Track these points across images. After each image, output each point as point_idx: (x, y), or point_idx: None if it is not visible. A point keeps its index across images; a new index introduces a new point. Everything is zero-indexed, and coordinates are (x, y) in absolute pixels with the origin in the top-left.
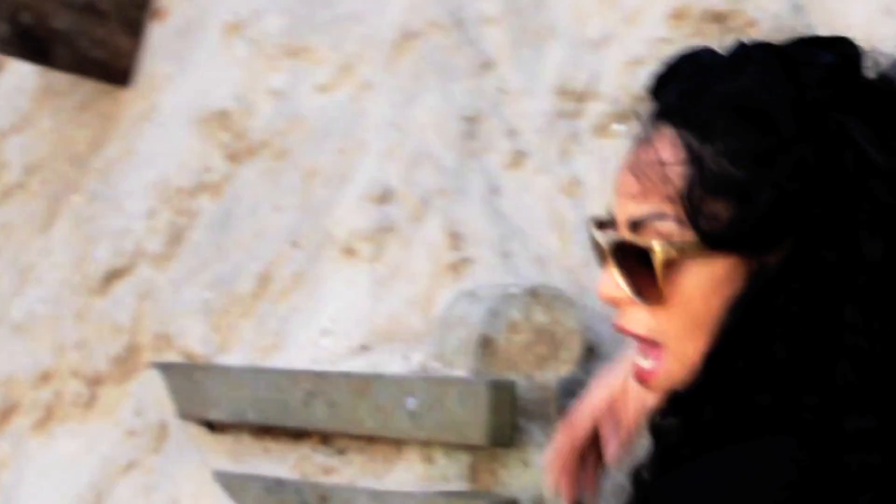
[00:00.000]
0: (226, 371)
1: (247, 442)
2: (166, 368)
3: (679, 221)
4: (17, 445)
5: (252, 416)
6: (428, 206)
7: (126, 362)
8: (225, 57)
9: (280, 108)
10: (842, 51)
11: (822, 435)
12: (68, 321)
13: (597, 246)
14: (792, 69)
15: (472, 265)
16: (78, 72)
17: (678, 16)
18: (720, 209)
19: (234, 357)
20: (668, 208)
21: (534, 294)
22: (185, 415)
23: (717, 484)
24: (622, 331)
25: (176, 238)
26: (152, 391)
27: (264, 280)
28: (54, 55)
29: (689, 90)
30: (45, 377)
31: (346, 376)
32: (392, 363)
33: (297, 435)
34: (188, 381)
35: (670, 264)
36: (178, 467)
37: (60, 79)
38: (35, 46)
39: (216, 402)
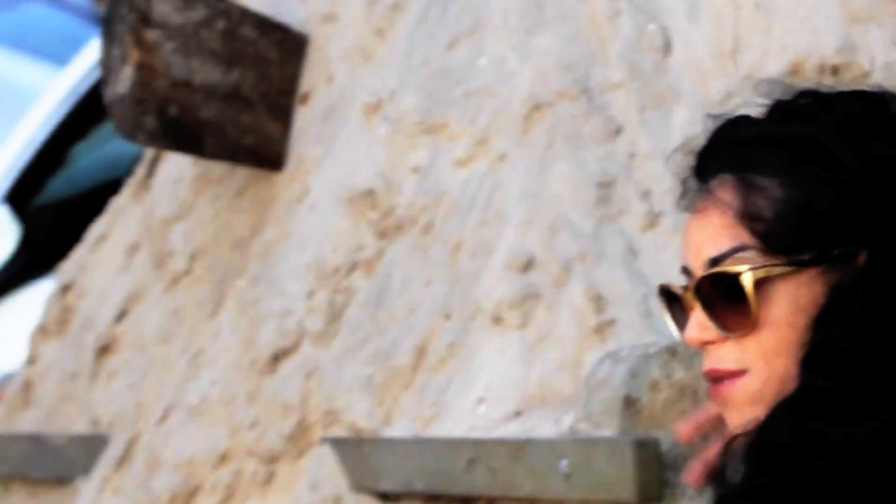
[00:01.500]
0: (393, 443)
1: None
2: (337, 443)
3: (758, 248)
4: None
5: (419, 486)
6: (569, 271)
7: (299, 439)
8: (367, 137)
9: (422, 185)
10: (867, 95)
11: None
12: (241, 402)
13: (673, 301)
14: (829, 106)
15: (616, 327)
16: (229, 159)
17: (794, 70)
18: (793, 225)
19: (397, 428)
20: (744, 239)
21: (672, 352)
22: (358, 487)
23: None
24: (713, 374)
25: (335, 316)
26: (326, 466)
27: (420, 352)
28: (204, 145)
29: (736, 140)
30: (223, 458)
31: (503, 442)
32: (544, 427)
33: (463, 501)
34: (358, 454)
35: (758, 286)
36: None
37: (215, 166)
38: (184, 138)
39: (386, 474)
